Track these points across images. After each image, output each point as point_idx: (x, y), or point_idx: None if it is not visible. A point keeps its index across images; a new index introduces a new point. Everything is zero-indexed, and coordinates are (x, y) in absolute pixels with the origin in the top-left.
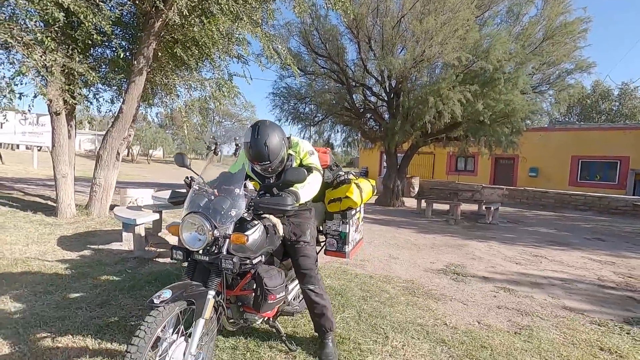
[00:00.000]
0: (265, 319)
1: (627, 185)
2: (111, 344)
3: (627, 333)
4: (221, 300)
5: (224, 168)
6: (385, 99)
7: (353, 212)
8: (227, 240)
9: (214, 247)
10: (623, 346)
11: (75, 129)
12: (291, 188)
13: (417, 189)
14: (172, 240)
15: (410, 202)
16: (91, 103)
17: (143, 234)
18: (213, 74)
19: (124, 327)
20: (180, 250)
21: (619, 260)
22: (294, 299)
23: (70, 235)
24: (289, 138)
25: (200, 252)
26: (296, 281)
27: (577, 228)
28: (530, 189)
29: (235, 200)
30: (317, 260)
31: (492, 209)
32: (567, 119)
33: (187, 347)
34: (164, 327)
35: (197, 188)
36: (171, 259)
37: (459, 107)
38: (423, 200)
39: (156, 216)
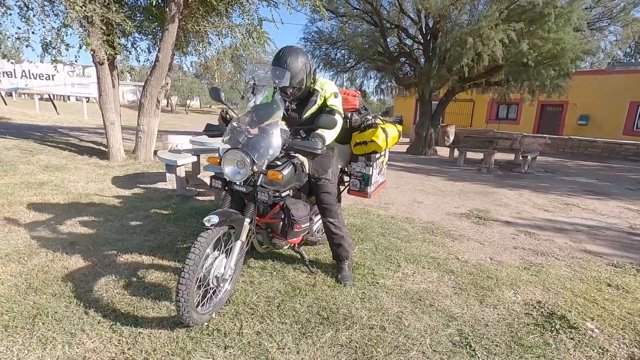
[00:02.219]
0: (291, 245)
1: None
2: (162, 260)
3: None
4: (253, 227)
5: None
6: (421, 41)
7: (377, 155)
8: (263, 175)
9: (250, 180)
10: (632, 284)
11: (118, 78)
12: (318, 132)
13: (452, 137)
14: (208, 181)
15: (443, 152)
16: (130, 52)
17: (183, 174)
18: (243, 19)
19: (172, 249)
20: (219, 180)
21: None
22: (317, 231)
23: (121, 176)
24: (314, 71)
25: (239, 184)
26: (319, 215)
27: (622, 178)
28: (575, 137)
29: (272, 140)
30: (338, 197)
31: (528, 157)
32: (633, 60)
33: (227, 262)
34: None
35: (236, 125)
36: (210, 186)
37: (500, 48)
38: (456, 149)
39: (194, 159)
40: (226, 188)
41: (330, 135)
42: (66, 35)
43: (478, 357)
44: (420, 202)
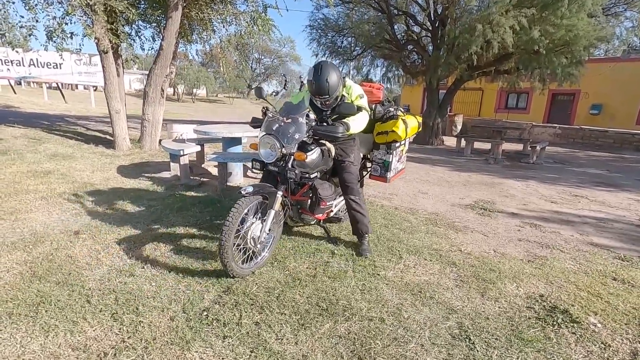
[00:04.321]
0: (317, 221)
1: None
2: (163, 250)
3: None
4: (288, 200)
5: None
6: (429, 28)
7: (397, 144)
8: (292, 157)
9: (282, 162)
10: (639, 278)
11: (123, 67)
12: (343, 120)
13: (459, 127)
14: (214, 170)
15: (450, 141)
16: (134, 40)
17: (187, 164)
18: (247, 6)
19: (174, 239)
20: (258, 161)
21: None
22: (340, 210)
23: (127, 165)
24: (344, 78)
25: (272, 164)
26: (342, 195)
27: (634, 170)
28: (586, 127)
29: (298, 127)
30: (360, 181)
31: (537, 148)
32: None
33: (262, 227)
34: (247, 212)
35: (271, 116)
36: (252, 167)
37: (511, 35)
38: (463, 139)
39: (198, 148)
40: (264, 169)
41: (355, 125)
42: (70, 23)
43: (477, 351)
44: (425, 192)
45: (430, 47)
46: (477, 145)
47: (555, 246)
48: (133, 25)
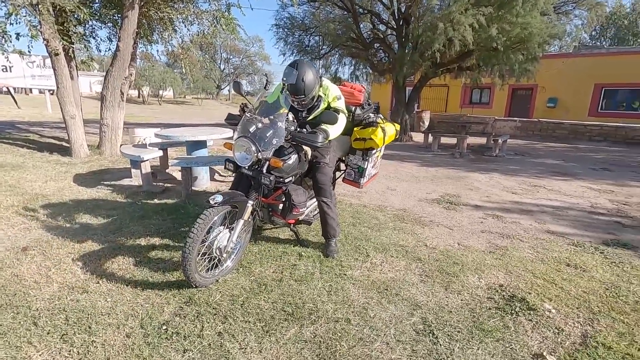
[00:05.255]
0: (287, 224)
1: None
2: (122, 263)
3: (601, 252)
4: (256, 207)
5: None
6: (394, 27)
7: (374, 151)
8: (267, 162)
9: (256, 166)
10: (590, 262)
11: (77, 69)
12: (322, 126)
13: (427, 123)
14: (179, 175)
15: (419, 137)
16: (88, 42)
17: (149, 170)
18: (209, 5)
19: (134, 250)
20: (231, 163)
21: (619, 189)
22: (311, 212)
23: (84, 173)
24: (321, 77)
25: (246, 168)
26: (314, 198)
27: (587, 159)
28: (544, 120)
29: (277, 131)
30: (332, 182)
31: (499, 141)
32: (597, 43)
33: (230, 236)
34: (214, 221)
35: (249, 116)
36: (225, 168)
37: (471, 33)
38: (430, 135)
39: (160, 153)
40: (237, 171)
41: (334, 131)
42: (16, 24)
43: (440, 345)
44: (394, 189)
45: (396, 45)
46: (444, 140)
47: (515, 236)
48: (86, 26)
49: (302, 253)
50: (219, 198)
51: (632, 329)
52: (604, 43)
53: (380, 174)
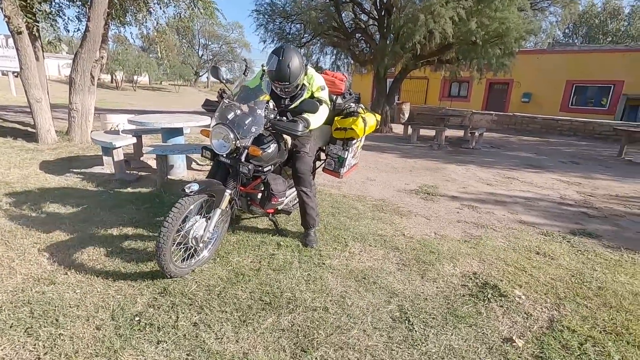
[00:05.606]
0: (266, 213)
1: (617, 110)
2: (91, 253)
3: (568, 241)
4: (234, 196)
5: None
6: (376, 17)
7: (354, 141)
8: (246, 150)
9: (235, 154)
10: (558, 251)
11: (43, 50)
12: (303, 115)
13: (407, 115)
14: (154, 164)
15: (399, 129)
16: (55, 20)
17: (122, 157)
18: None
19: (105, 240)
20: (208, 150)
21: (586, 182)
22: (290, 202)
23: (52, 160)
24: (306, 66)
25: (224, 156)
26: (294, 188)
27: (557, 152)
28: (518, 114)
29: (256, 119)
30: (313, 172)
31: (476, 134)
32: (570, 41)
33: (206, 226)
34: (190, 210)
35: (227, 102)
36: (201, 156)
37: (451, 26)
38: (410, 126)
39: (133, 140)
40: (214, 159)
41: (315, 120)
42: None
43: (415, 331)
44: (373, 179)
45: (378, 36)
46: (423, 132)
47: (489, 226)
48: (53, 3)
49: (281, 242)
50: (195, 187)
51: (595, 313)
52: (576, 41)
53: (360, 164)
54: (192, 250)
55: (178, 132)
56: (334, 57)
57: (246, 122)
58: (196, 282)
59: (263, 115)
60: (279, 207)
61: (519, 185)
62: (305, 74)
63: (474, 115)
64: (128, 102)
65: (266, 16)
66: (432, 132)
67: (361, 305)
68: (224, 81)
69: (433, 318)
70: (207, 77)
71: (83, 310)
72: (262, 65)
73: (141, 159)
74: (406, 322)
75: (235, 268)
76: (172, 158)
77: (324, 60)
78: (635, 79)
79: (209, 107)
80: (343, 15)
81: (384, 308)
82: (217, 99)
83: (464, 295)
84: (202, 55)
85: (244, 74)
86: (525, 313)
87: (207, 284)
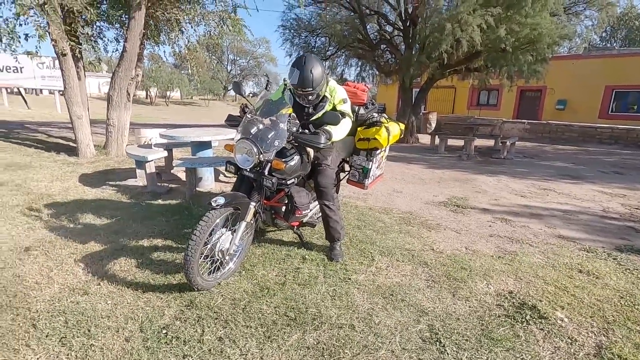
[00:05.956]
0: (290, 226)
1: None
2: (124, 265)
3: (614, 259)
4: (259, 208)
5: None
6: (401, 27)
7: (378, 151)
8: (269, 164)
9: (258, 168)
10: (603, 269)
11: (84, 70)
12: (326, 127)
13: (433, 125)
14: (184, 176)
15: (425, 139)
16: (96, 42)
17: (154, 170)
18: (215, 6)
19: (137, 251)
20: (232, 165)
21: (632, 193)
22: (315, 214)
23: (90, 173)
24: (327, 76)
25: (248, 170)
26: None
27: (597, 162)
28: (553, 122)
29: (278, 133)
30: (337, 184)
31: (507, 143)
32: (608, 44)
33: (232, 239)
34: (217, 223)
35: (250, 117)
36: (225, 170)
37: (479, 34)
38: (437, 136)
39: (165, 154)
40: (238, 173)
41: (337, 133)
42: (24, 24)
43: (447, 354)
44: (400, 191)
45: (403, 47)
46: (451, 142)
47: (525, 240)
48: (94, 27)
49: (306, 256)
50: (221, 200)
51: None
52: (614, 44)
53: (386, 176)
54: (218, 263)
55: (206, 145)
56: (358, 68)
57: (269, 136)
58: (222, 295)
59: (285, 128)
60: (304, 220)
61: (555, 197)
62: (327, 85)
63: (504, 124)
64: (161, 116)
65: (292, 31)
66: (460, 142)
67: (389, 324)
68: (247, 96)
69: (466, 340)
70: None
71: (113, 321)
72: (284, 79)
73: (171, 171)
74: (437, 343)
75: (261, 282)
76: (200, 170)
77: (349, 72)
78: None
79: (232, 123)
80: (368, 27)
81: (413, 327)
82: (239, 114)
83: (499, 316)
84: (231, 70)
85: (265, 88)
86: (569, 338)
87: (233, 298)
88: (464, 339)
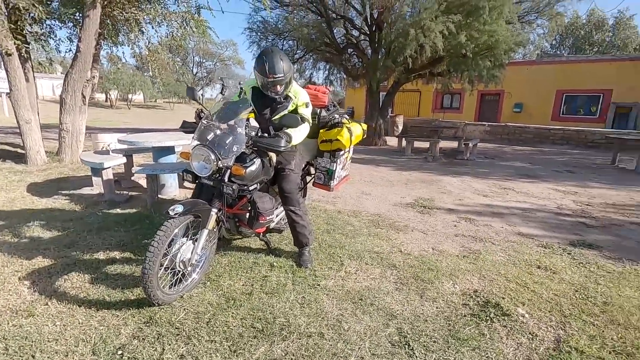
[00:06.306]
0: (257, 234)
1: (607, 118)
2: (74, 281)
3: (568, 253)
4: (222, 216)
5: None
6: (367, 32)
7: (342, 152)
8: (229, 170)
9: (217, 174)
10: (559, 264)
11: (33, 71)
12: (286, 130)
13: (400, 127)
14: (144, 183)
15: (393, 142)
16: (46, 42)
17: (112, 178)
18: (178, 6)
19: (90, 265)
20: (190, 173)
21: (582, 190)
22: (282, 220)
23: (41, 182)
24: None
25: (206, 177)
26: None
27: (551, 161)
28: (511, 124)
29: (236, 138)
30: (304, 188)
31: (470, 145)
32: (558, 52)
33: (194, 248)
34: (176, 233)
35: (206, 122)
36: (182, 179)
37: (441, 40)
38: (404, 139)
39: (123, 160)
40: (197, 181)
41: (297, 135)
42: None
43: (416, 357)
44: (368, 194)
45: (369, 51)
46: (417, 144)
47: (488, 239)
48: (44, 25)
49: (274, 263)
50: (180, 208)
51: (602, 331)
52: (563, 52)
53: (355, 178)
54: (180, 274)
55: (169, 150)
56: (326, 72)
57: (227, 142)
58: (184, 309)
59: (244, 133)
60: (270, 226)
61: (515, 196)
62: (292, 85)
63: (467, 127)
64: (122, 120)
65: (259, 33)
66: (426, 144)
67: (358, 330)
68: (200, 102)
69: (434, 341)
70: (202, 95)
71: (62, 344)
72: (240, 84)
73: (132, 178)
74: (406, 346)
75: (226, 292)
76: (163, 177)
77: (317, 76)
78: (621, 88)
79: (187, 129)
80: (335, 31)
81: (383, 332)
82: (195, 120)
83: (465, 316)
84: (197, 72)
85: (221, 92)
86: (530, 333)
87: (196, 311)
88: (432, 341)
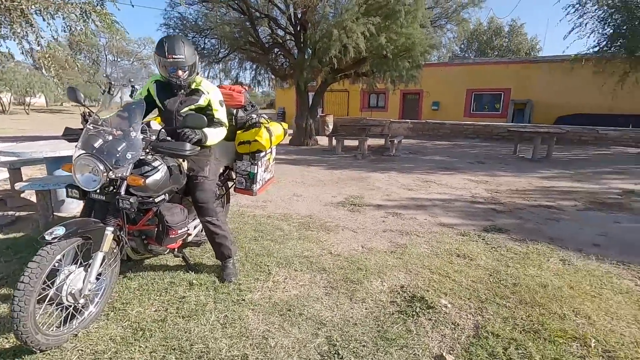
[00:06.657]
0: (171, 250)
1: (508, 114)
2: None
3: (483, 239)
4: (122, 235)
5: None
6: (292, 32)
7: (262, 154)
8: (124, 181)
9: (111, 187)
10: (476, 250)
11: None
12: (204, 130)
13: (331, 127)
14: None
15: (324, 141)
16: None
17: None
18: None
19: None
20: (75, 188)
21: (492, 179)
22: (201, 232)
23: None
24: (198, 74)
25: (97, 191)
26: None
27: (465, 154)
28: (431, 121)
29: (131, 143)
30: (226, 194)
31: (395, 141)
32: (466, 55)
33: (86, 276)
34: (59, 260)
35: (92, 127)
36: (67, 196)
37: (363, 41)
38: (334, 138)
39: (4, 175)
40: (85, 197)
41: (212, 138)
42: None
43: None
44: (300, 195)
45: (296, 51)
46: (347, 143)
47: (413, 232)
48: None
49: (194, 281)
50: (60, 230)
51: (514, 312)
52: (470, 55)
53: (286, 179)
54: (72, 309)
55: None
56: (253, 72)
57: (119, 149)
58: (78, 350)
59: (140, 137)
60: (187, 240)
61: (436, 188)
62: (198, 74)
63: (392, 124)
64: (18, 127)
65: (177, 30)
66: (355, 143)
67: (286, 345)
68: (84, 104)
69: (363, 346)
70: (121, 98)
71: None
72: (131, 81)
73: (22, 195)
74: (335, 356)
75: (134, 322)
76: (61, 192)
77: (244, 76)
78: (517, 86)
79: (71, 136)
80: (260, 30)
81: (311, 343)
82: (82, 125)
83: (393, 314)
84: (112, 72)
85: (108, 92)
86: (452, 323)
87: (93, 351)
88: (361, 345)
